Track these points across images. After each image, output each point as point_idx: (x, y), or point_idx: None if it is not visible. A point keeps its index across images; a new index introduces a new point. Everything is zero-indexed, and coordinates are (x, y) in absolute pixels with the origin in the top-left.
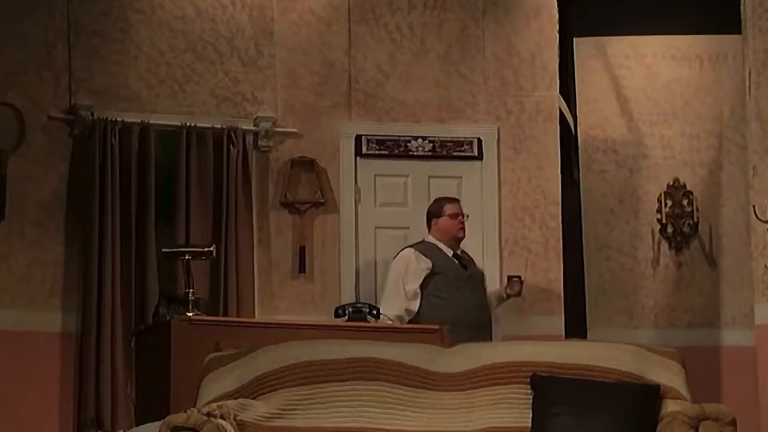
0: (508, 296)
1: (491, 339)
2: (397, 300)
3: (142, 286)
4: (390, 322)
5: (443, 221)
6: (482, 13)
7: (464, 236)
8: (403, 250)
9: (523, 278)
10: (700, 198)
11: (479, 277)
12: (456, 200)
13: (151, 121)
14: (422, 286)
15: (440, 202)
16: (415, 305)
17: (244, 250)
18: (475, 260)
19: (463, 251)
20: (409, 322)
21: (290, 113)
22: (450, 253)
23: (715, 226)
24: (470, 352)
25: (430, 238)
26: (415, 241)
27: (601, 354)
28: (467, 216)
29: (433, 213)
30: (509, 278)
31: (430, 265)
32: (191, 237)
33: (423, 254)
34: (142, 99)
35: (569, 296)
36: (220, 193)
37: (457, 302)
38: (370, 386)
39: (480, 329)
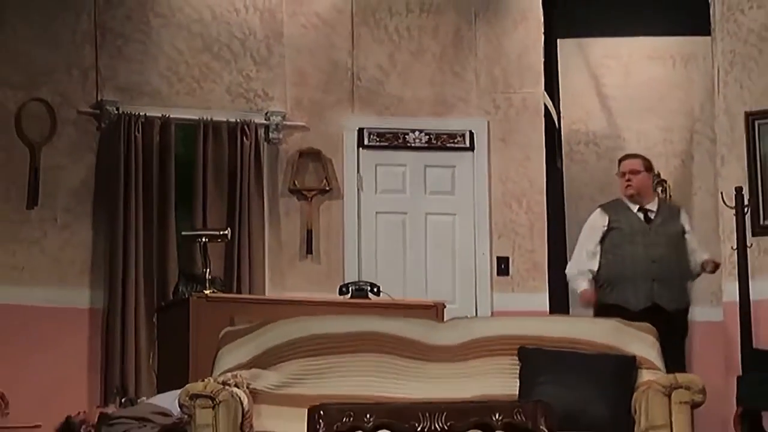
0: (703, 270)
1: (671, 294)
2: (578, 261)
3: (163, 266)
4: (387, 297)
5: (619, 180)
6: (474, 16)
7: (634, 193)
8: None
9: (716, 264)
10: (674, 186)
11: (669, 231)
12: (628, 157)
13: (171, 116)
14: (602, 243)
15: (621, 160)
16: (594, 264)
17: (256, 233)
18: (680, 212)
19: (663, 202)
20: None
21: (298, 108)
22: (635, 207)
23: (687, 212)
24: (463, 326)
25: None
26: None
27: (583, 328)
28: (638, 172)
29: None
30: (710, 261)
31: (607, 221)
32: (208, 221)
33: (606, 211)
34: (163, 95)
35: (553, 275)
36: (235, 181)
37: (627, 258)
38: (373, 358)
39: (652, 283)
